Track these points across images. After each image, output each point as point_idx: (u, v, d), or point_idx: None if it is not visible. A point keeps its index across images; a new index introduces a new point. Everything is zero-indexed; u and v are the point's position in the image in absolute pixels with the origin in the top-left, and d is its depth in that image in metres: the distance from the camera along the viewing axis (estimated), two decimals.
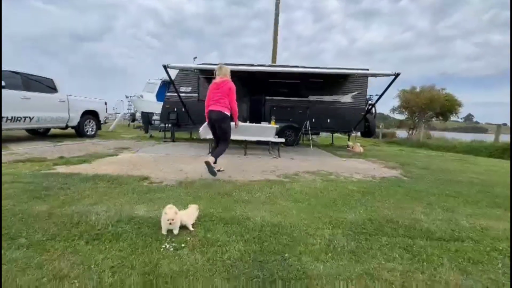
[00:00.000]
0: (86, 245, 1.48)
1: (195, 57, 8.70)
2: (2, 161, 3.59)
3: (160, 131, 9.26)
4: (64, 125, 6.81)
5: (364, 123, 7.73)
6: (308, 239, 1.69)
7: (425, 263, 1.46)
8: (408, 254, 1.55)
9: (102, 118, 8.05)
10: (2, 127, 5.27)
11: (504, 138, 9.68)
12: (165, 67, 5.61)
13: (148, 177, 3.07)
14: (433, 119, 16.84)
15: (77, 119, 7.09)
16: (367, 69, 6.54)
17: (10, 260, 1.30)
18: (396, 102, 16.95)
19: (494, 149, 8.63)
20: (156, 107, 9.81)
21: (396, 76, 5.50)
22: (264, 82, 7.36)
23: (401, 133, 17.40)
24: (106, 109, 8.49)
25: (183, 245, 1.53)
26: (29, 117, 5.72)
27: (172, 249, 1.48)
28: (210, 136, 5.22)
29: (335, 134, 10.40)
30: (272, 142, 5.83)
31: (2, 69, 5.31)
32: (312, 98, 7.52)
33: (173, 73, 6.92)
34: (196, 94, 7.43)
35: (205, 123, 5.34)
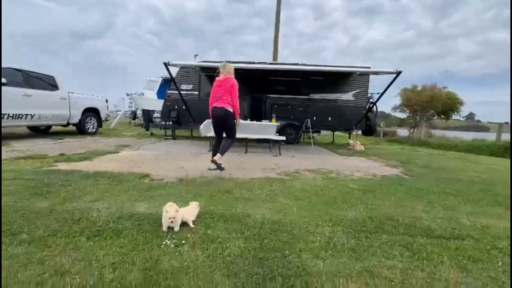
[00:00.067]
0: (87, 241, 1.49)
1: (196, 55, 8.68)
2: (4, 157, 3.61)
3: (161, 128, 9.27)
4: (65, 122, 6.83)
5: (365, 121, 7.71)
6: (308, 236, 1.69)
7: (425, 261, 1.46)
8: (408, 252, 1.55)
9: (103, 116, 8.06)
10: (4, 124, 5.28)
11: (506, 137, 9.63)
12: (166, 64, 5.59)
13: (149, 174, 3.08)
14: (434, 118, 16.77)
15: (78, 117, 7.11)
16: (369, 67, 6.51)
17: (12, 255, 1.31)
18: (398, 101, 16.89)
19: (496, 147, 8.61)
20: (157, 105, 9.82)
21: (398, 74, 5.47)
22: (265, 80, 7.35)
23: (402, 132, 17.33)
24: (107, 106, 8.49)
25: (183, 241, 1.54)
26: (31, 114, 5.74)
27: (172, 245, 1.49)
28: (210, 134, 5.23)
29: (336, 133, 10.38)
30: (272, 140, 5.82)
31: (4, 66, 5.31)
32: (313, 96, 7.50)
33: (174, 71, 6.92)
34: (197, 92, 7.43)
35: (206, 121, 5.35)
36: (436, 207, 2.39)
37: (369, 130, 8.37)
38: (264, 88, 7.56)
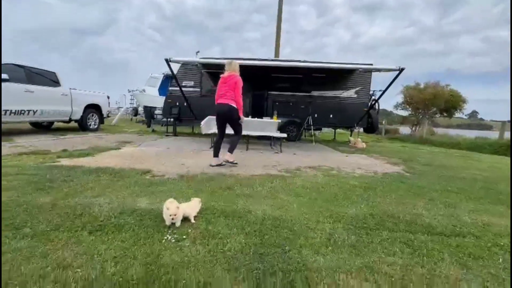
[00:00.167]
0: (89, 236, 1.50)
1: (198, 51, 8.61)
2: (7, 153, 3.63)
3: (162, 125, 9.28)
4: (67, 118, 6.85)
5: (367, 119, 7.68)
6: (308, 232, 1.70)
7: (425, 258, 1.46)
8: (408, 249, 1.55)
9: (104, 112, 8.08)
10: (6, 119, 5.31)
11: (509, 135, 9.57)
12: (167, 61, 5.58)
13: (150, 170, 3.09)
14: (437, 116, 16.66)
15: (80, 113, 7.12)
16: (371, 64, 6.46)
17: (15, 249, 1.33)
18: (400, 98, 16.78)
19: (499, 146, 8.56)
20: (158, 102, 9.82)
21: (401, 71, 5.42)
22: (266, 77, 7.31)
23: (404, 130, 17.26)
24: (109, 103, 8.50)
25: (184, 237, 1.54)
26: (33, 110, 5.76)
27: (173, 240, 1.50)
28: (211, 131, 5.23)
29: (337, 130, 10.36)
30: (274, 137, 5.82)
31: (6, 62, 5.32)
32: (315, 93, 7.46)
33: (175, 68, 6.90)
34: (198, 89, 7.41)
35: (207, 118, 5.35)
36: (437, 205, 2.38)
37: (370, 128, 8.34)
38: (266, 85, 7.53)
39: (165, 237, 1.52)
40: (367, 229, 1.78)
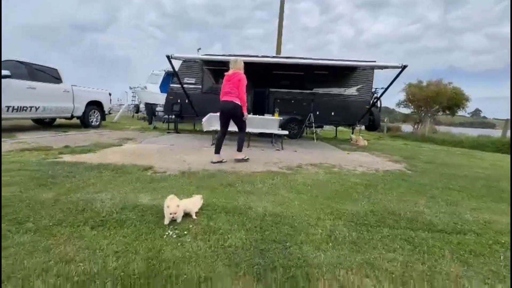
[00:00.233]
0: (91, 231, 1.51)
1: (199, 48, 8.61)
2: (10, 149, 3.66)
3: (163, 122, 9.29)
4: (69, 115, 6.87)
5: (368, 116, 7.64)
6: (309, 229, 1.70)
7: (426, 255, 1.46)
8: (409, 246, 1.55)
9: (106, 109, 8.09)
10: (9, 116, 5.33)
11: None
12: (168, 57, 5.56)
13: (152, 167, 3.10)
14: (439, 113, 16.56)
15: (82, 110, 7.14)
16: (374, 61, 6.41)
17: (18, 243, 1.34)
18: (402, 96, 16.68)
19: (501, 144, 8.49)
20: (159, 98, 9.82)
21: (403, 69, 5.39)
22: (268, 74, 7.29)
23: (406, 128, 17.18)
24: (110, 100, 8.51)
25: (185, 232, 1.55)
26: (35, 107, 5.77)
27: (175, 236, 1.50)
28: (213, 128, 5.23)
29: (339, 128, 10.32)
30: (275, 134, 5.81)
31: (8, 58, 5.33)
32: (316, 90, 7.43)
33: (177, 65, 6.88)
34: (199, 86, 7.40)
35: (208, 115, 5.35)
36: (439, 202, 2.38)
37: (372, 125, 8.31)
38: (267, 82, 7.50)
39: (167, 233, 1.53)
40: (368, 226, 1.79)
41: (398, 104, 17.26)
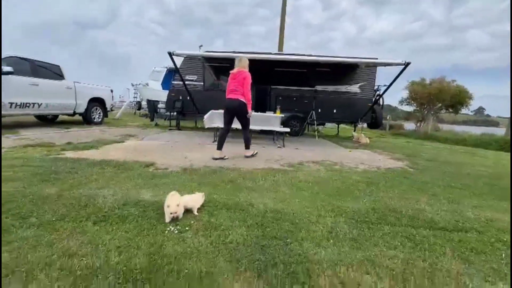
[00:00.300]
0: (93, 226, 1.52)
1: (201, 45, 8.58)
2: (13, 145, 3.68)
3: (165, 119, 9.31)
4: (71, 111, 6.90)
5: (370, 114, 7.60)
6: (310, 226, 1.70)
7: (427, 252, 1.46)
8: (410, 243, 1.55)
9: (108, 106, 8.12)
10: (12, 112, 5.37)
11: None
12: (170, 54, 5.54)
13: (154, 163, 3.11)
14: (442, 111, 16.43)
15: (84, 106, 7.16)
16: (376, 58, 6.36)
17: (21, 237, 1.35)
18: (405, 94, 16.56)
19: (504, 142, 8.44)
20: (161, 95, 9.83)
21: (406, 66, 5.33)
22: (270, 71, 7.25)
23: (409, 125, 17.09)
24: (112, 96, 8.53)
25: (187, 228, 1.56)
26: (38, 103, 5.80)
27: (176, 231, 1.51)
28: (214, 124, 5.24)
29: (341, 125, 10.29)
30: (276, 131, 5.80)
31: (10, 55, 5.35)
32: (318, 87, 7.39)
33: (179, 62, 6.87)
34: (201, 83, 7.39)
35: (210, 112, 5.34)
36: (440, 200, 2.37)
37: (374, 123, 8.27)
38: (269, 79, 7.47)
39: (168, 228, 1.54)
40: (369, 223, 1.79)
41: (401, 102, 17.15)
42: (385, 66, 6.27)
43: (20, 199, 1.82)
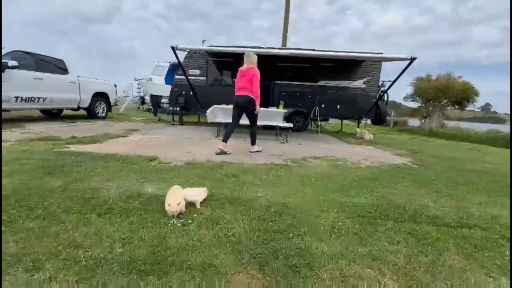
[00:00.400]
0: (98, 218, 1.54)
1: (204, 40, 8.54)
2: (18, 139, 3.73)
3: (168, 114, 9.32)
4: (75, 106, 6.94)
5: (375, 110, 7.53)
6: (312, 220, 1.71)
7: (430, 248, 1.45)
8: (413, 239, 1.55)
9: (112, 100, 8.14)
10: (17, 106, 5.42)
11: None
12: (173, 48, 5.52)
13: (157, 157, 3.13)
14: (448, 108, 16.21)
15: (88, 101, 7.19)
16: (381, 53, 6.26)
17: (28, 228, 1.38)
18: (410, 90, 16.36)
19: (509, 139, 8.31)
20: (165, 90, 9.82)
21: (412, 61, 5.24)
22: (273, 66, 7.19)
23: (414, 122, 16.91)
24: (116, 91, 8.55)
25: (190, 221, 1.57)
26: (42, 98, 5.84)
27: (179, 224, 1.53)
28: (217, 119, 5.24)
29: (344, 121, 10.21)
30: (280, 127, 5.79)
31: (14, 49, 5.37)
32: (322, 83, 7.33)
33: (182, 57, 6.84)
34: (204, 78, 7.36)
35: (213, 107, 5.34)
36: (444, 196, 2.35)
37: (378, 119, 8.20)
38: (272, 75, 7.41)
39: (171, 221, 1.55)
40: (372, 219, 1.78)
41: (406, 98, 16.96)
42: (390, 61, 6.18)
43: (26, 192, 1.84)
